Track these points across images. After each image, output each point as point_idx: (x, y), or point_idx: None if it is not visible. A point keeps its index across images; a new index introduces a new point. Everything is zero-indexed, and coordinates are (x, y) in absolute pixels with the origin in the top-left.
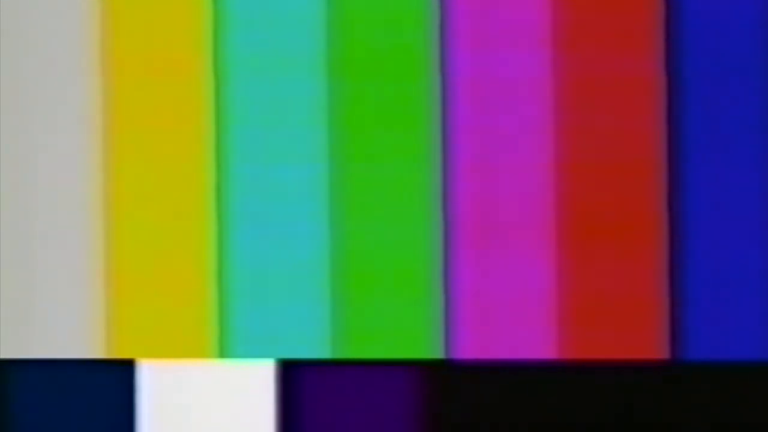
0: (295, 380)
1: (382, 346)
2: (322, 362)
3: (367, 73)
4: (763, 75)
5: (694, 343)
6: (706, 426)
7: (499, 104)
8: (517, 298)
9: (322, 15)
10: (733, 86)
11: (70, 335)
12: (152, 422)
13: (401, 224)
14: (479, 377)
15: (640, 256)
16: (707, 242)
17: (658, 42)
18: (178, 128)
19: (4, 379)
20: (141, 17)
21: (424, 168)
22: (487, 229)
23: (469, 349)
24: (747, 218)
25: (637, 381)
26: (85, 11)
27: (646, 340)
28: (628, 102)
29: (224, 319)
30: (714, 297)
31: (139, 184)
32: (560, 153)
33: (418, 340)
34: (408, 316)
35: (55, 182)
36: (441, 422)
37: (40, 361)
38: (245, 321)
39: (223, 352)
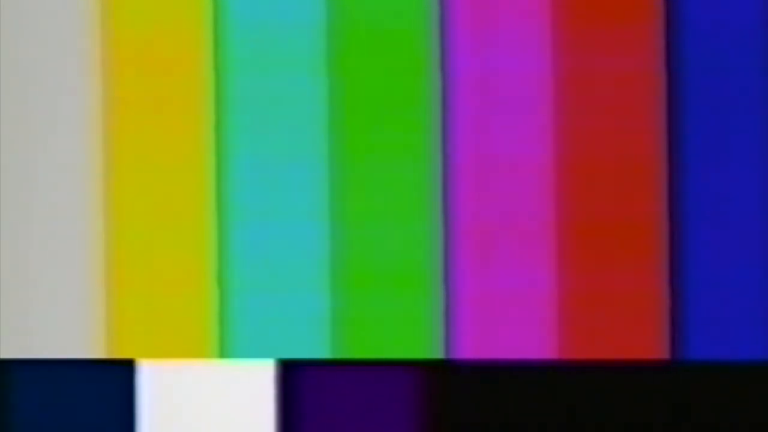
0: (295, 380)
1: (382, 346)
2: (322, 362)
3: (368, 71)
4: (763, 75)
5: (694, 343)
6: (706, 426)
7: (499, 102)
8: (517, 299)
9: (322, 13)
10: (733, 86)
11: (70, 335)
12: (152, 422)
13: (401, 224)
14: (479, 377)
15: (640, 256)
16: (707, 242)
17: (658, 42)
18: (178, 128)
19: (4, 379)
20: (141, 17)
21: (424, 167)
22: (488, 229)
23: (469, 349)
24: (747, 218)
25: (637, 381)
26: (85, 11)
27: (646, 340)
28: (629, 101)
29: (224, 319)
30: (714, 297)
31: (139, 183)
32: (560, 151)
33: (418, 340)
34: (408, 316)
35: (55, 182)
36: (441, 422)
37: (40, 361)
38: (245, 321)
39: (223, 352)
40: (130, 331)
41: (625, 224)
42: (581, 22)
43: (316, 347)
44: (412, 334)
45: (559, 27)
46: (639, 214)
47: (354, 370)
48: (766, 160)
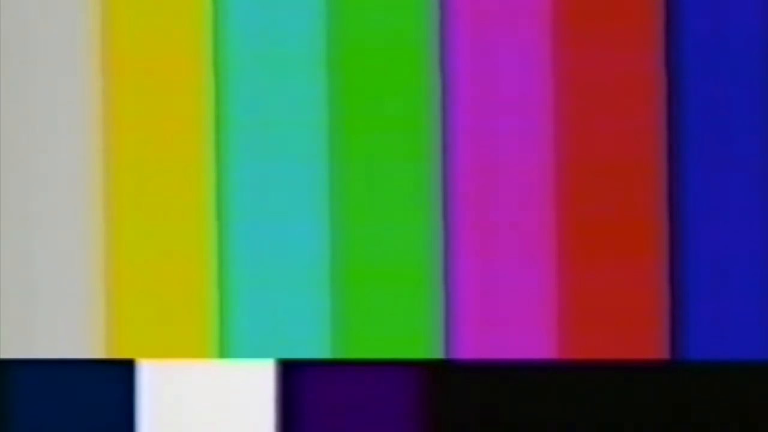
0: (295, 380)
1: (382, 346)
2: (322, 362)
3: (367, 72)
4: (763, 75)
5: (694, 343)
6: (706, 426)
7: (498, 104)
8: (517, 299)
9: (321, 14)
10: (733, 86)
11: (70, 335)
12: (152, 422)
13: (401, 224)
14: (479, 377)
15: (640, 257)
16: (707, 243)
17: (658, 42)
18: (178, 128)
19: (5, 379)
20: (141, 17)
21: (424, 167)
22: (488, 229)
23: (469, 349)
24: (747, 219)
25: (637, 381)
26: (85, 11)
27: (646, 340)
28: (628, 102)
29: (224, 319)
30: (714, 297)
31: (139, 184)
32: (560, 152)
33: (418, 340)
34: (408, 316)
35: (55, 182)
36: (441, 422)
37: (40, 361)
38: (245, 321)
39: (223, 352)
40: (130, 331)
41: (625, 224)
42: (581, 24)
43: (316, 347)
44: (412, 334)
45: (559, 28)
46: (639, 214)
47: (354, 370)
48: (766, 160)
